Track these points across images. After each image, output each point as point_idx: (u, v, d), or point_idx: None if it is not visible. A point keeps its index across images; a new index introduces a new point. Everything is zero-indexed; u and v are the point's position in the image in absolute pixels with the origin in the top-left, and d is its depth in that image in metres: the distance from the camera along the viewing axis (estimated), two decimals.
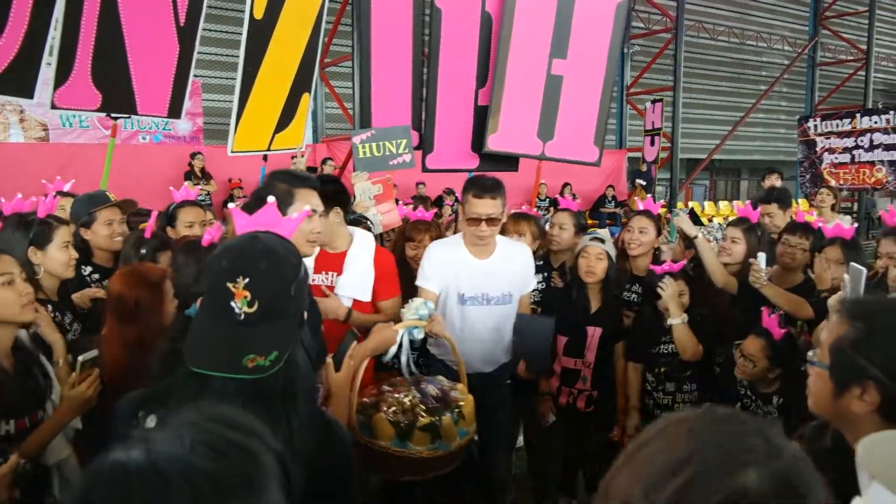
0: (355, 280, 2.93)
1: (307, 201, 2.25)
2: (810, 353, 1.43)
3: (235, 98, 4.73)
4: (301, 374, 1.28)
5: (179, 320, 1.87)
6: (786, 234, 3.48)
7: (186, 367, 1.22)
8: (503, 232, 3.43)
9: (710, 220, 13.54)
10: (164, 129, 12.44)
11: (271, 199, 1.55)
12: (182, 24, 4.52)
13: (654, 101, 14.17)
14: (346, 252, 2.96)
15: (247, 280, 1.21)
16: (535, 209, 5.59)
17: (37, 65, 3.76)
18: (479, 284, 3.06)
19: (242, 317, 1.21)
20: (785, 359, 2.89)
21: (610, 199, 14.84)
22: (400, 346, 2.63)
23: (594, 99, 4.98)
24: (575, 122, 4.97)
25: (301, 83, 5.07)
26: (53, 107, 4.23)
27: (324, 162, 12.22)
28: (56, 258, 2.59)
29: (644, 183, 13.36)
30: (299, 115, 5.14)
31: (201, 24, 4.62)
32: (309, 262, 2.81)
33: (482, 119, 5.00)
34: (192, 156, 11.07)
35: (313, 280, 2.88)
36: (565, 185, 13.72)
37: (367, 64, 4.72)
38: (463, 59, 4.90)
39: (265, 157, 5.17)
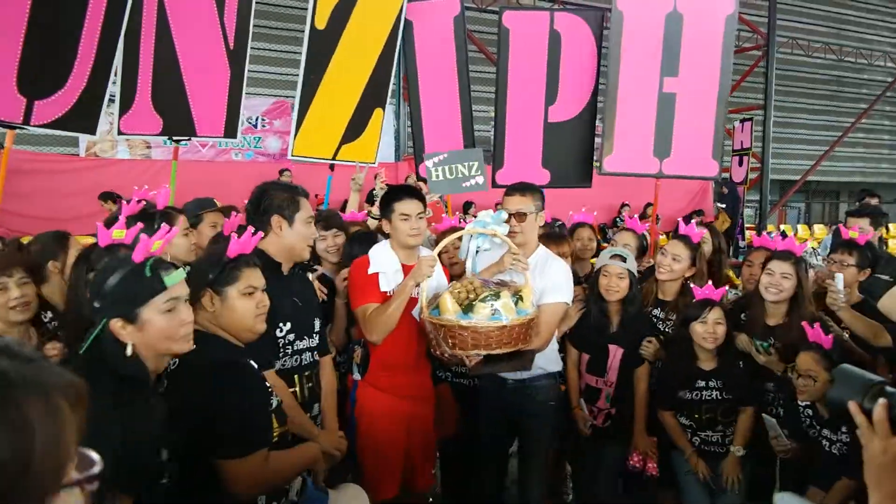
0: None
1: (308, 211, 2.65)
2: None
3: (296, 104, 4.87)
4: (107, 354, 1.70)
5: None
6: (831, 254, 3.49)
7: None
8: None
9: (804, 244, 12.91)
10: (255, 146, 13.03)
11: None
12: (232, 48, 4.71)
13: (742, 121, 13.74)
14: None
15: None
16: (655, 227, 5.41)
17: (100, 103, 3.93)
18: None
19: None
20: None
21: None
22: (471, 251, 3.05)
23: (710, 112, 4.87)
24: (691, 137, 4.89)
25: (373, 98, 5.14)
26: (120, 133, 4.42)
27: (406, 178, 12.57)
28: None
29: (723, 206, 12.93)
30: (371, 130, 5.19)
31: (249, 46, 4.80)
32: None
33: (553, 136, 5.04)
34: (281, 172, 11.51)
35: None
36: (647, 205, 13.48)
37: (415, 93, 4.93)
38: (532, 76, 4.97)
39: (332, 167, 5.28)
